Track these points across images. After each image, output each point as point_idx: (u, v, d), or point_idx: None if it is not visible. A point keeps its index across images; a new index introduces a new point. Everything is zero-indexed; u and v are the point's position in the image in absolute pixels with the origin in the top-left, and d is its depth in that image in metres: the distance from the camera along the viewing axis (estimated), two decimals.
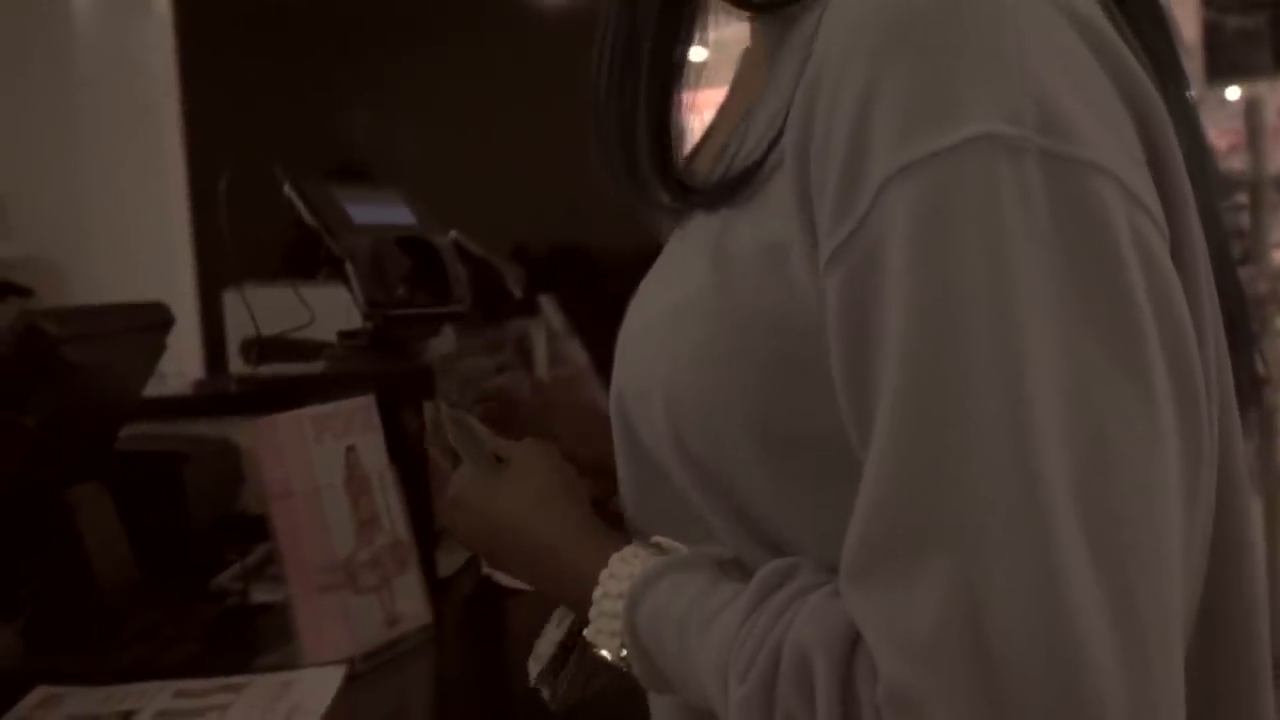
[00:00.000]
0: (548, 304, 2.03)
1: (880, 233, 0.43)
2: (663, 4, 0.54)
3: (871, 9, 0.45)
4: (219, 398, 1.35)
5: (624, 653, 0.54)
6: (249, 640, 1.05)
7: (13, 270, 2.77)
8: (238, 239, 1.49)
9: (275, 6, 3.16)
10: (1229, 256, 0.54)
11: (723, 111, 0.63)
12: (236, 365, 1.50)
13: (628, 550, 0.55)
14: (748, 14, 0.58)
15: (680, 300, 0.53)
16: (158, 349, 1.19)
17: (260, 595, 1.12)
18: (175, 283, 2.91)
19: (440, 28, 3.15)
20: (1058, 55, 0.44)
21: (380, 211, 1.17)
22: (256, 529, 1.09)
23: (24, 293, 2.76)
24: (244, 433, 1.29)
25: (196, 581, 1.19)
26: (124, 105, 2.95)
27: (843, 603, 0.45)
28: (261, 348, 1.24)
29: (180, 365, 2.18)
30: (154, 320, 1.15)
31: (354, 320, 1.19)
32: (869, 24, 0.44)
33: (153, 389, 1.31)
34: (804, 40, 0.49)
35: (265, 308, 1.41)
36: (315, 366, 1.20)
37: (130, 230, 2.92)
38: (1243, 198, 2.89)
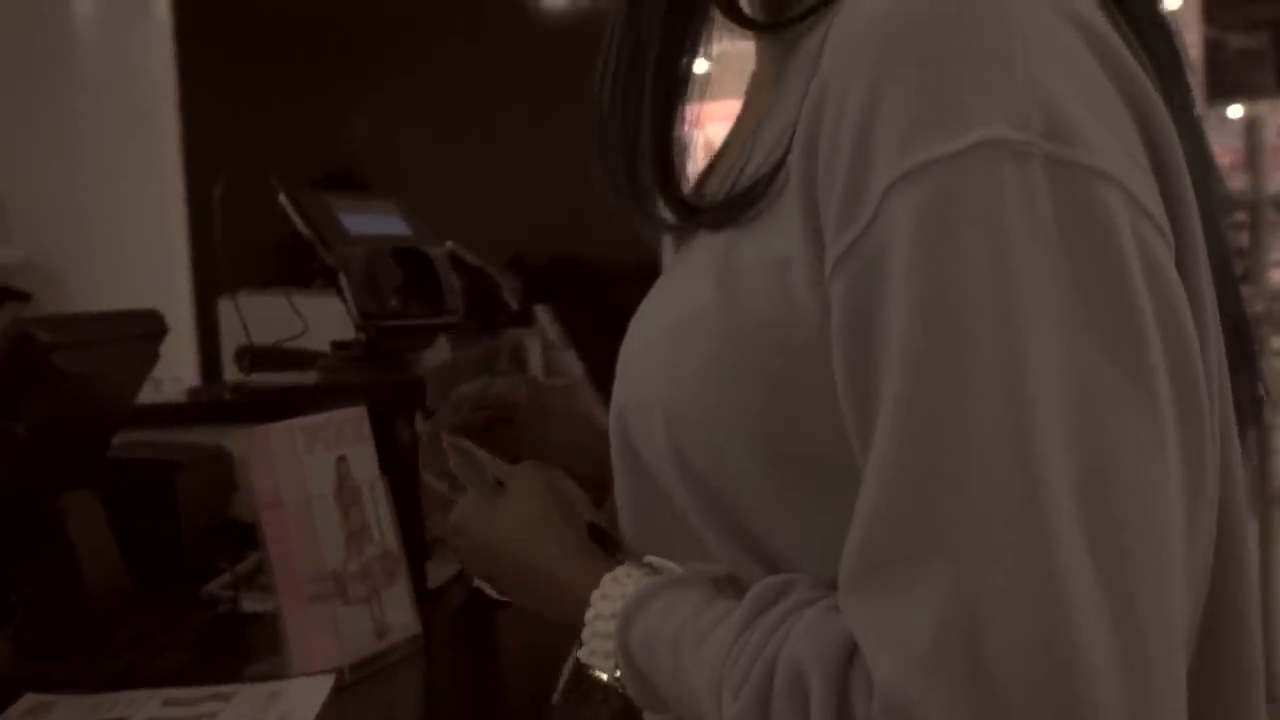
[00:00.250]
0: (543, 314, 2.03)
1: (884, 238, 0.43)
2: (667, 15, 0.54)
3: (875, 19, 0.45)
4: (212, 406, 1.35)
5: (618, 674, 0.54)
6: (239, 649, 1.05)
7: (11, 275, 2.77)
8: (235, 245, 1.49)
9: (274, 13, 3.17)
10: (1231, 272, 0.55)
11: (733, 135, 0.64)
12: (231, 373, 1.50)
13: (620, 570, 0.55)
14: (753, 34, 0.58)
15: (684, 316, 0.53)
16: (151, 357, 1.19)
17: (251, 604, 1.12)
18: (172, 289, 2.92)
19: (441, 35, 3.16)
20: (1062, 61, 0.44)
21: (375, 222, 1.18)
22: (248, 537, 1.09)
23: (22, 297, 2.77)
24: (237, 441, 1.29)
25: (187, 589, 1.19)
26: (123, 109, 2.96)
27: (839, 617, 0.45)
28: (255, 356, 1.25)
29: (176, 372, 2.19)
30: (148, 328, 1.16)
31: (348, 330, 1.19)
32: (873, 34, 0.45)
33: (148, 396, 1.31)
34: (809, 59, 0.50)
35: (261, 316, 1.41)
36: (309, 376, 1.20)
37: (128, 235, 2.92)
38: (1241, 216, 2.89)
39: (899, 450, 0.42)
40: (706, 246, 0.54)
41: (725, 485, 0.52)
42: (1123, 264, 0.42)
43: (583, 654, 0.55)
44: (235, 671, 0.97)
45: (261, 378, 1.31)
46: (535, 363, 1.82)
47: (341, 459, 0.97)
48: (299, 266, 1.28)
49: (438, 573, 1.17)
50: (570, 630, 0.57)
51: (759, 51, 0.61)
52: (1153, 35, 0.50)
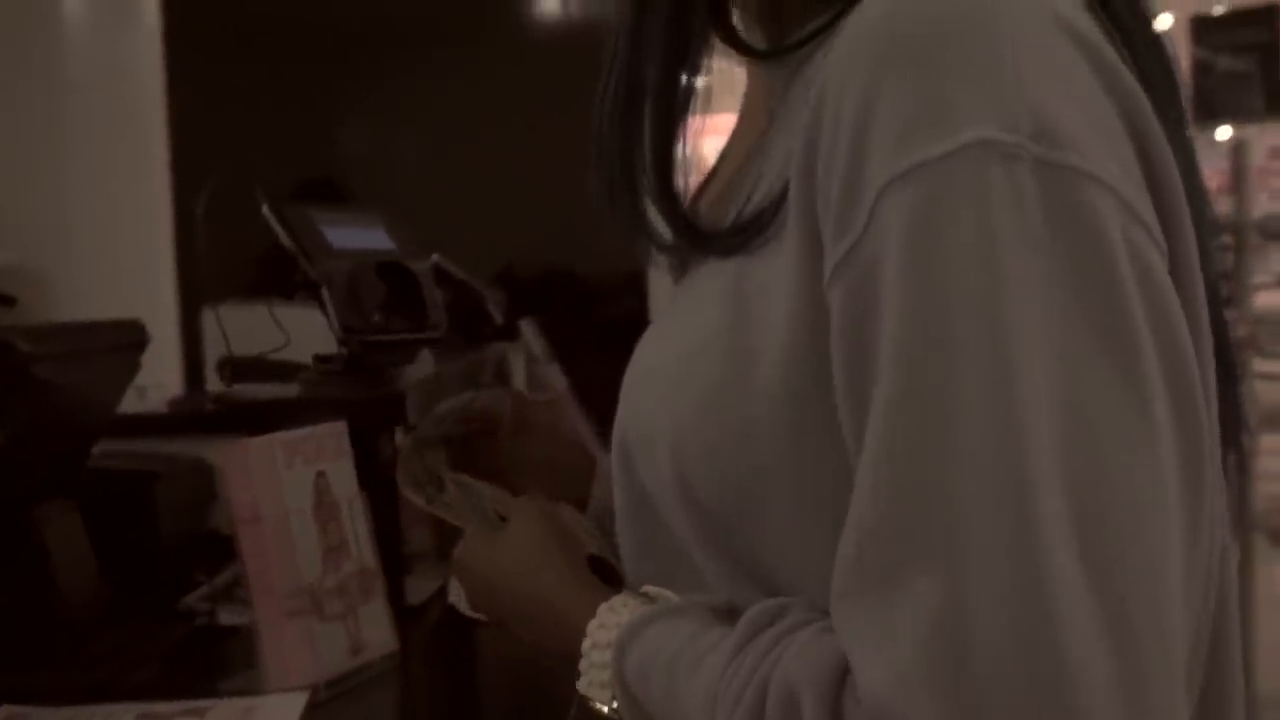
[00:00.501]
0: (528, 328, 2.03)
1: (878, 242, 0.43)
2: (668, 38, 0.54)
3: (871, 28, 0.45)
4: (192, 417, 1.35)
5: (615, 704, 0.53)
6: (215, 662, 1.04)
7: None
8: (223, 253, 1.49)
9: (265, 21, 3.17)
10: (1218, 294, 0.54)
11: (727, 152, 0.64)
12: (214, 383, 1.50)
13: (616, 600, 0.55)
14: (752, 60, 0.58)
15: (694, 343, 0.53)
16: (133, 367, 1.19)
17: (228, 617, 1.12)
18: (158, 295, 2.91)
19: (433, 45, 3.16)
20: (1056, 70, 0.44)
21: (359, 236, 1.18)
22: (228, 549, 1.09)
23: (7, 302, 2.76)
24: (217, 453, 1.29)
25: (165, 601, 1.19)
26: (112, 113, 2.95)
27: (832, 638, 0.45)
28: (236, 367, 1.24)
29: (161, 379, 2.18)
30: (130, 339, 1.15)
31: (332, 342, 1.19)
32: (869, 41, 0.45)
33: (132, 403, 1.30)
34: (814, 76, 0.50)
35: (245, 326, 1.41)
36: (290, 389, 1.20)
37: (115, 240, 2.92)
38: (1226, 239, 2.91)
39: (887, 457, 0.42)
40: (715, 274, 0.54)
41: (727, 515, 0.52)
42: (1113, 267, 0.42)
43: (581, 685, 0.55)
44: (211, 685, 0.97)
45: (243, 389, 1.31)
46: (519, 377, 1.83)
47: (320, 474, 0.97)
48: (286, 276, 1.28)
49: (417, 588, 1.17)
50: (569, 662, 0.57)
51: (750, 74, 0.61)
52: (1146, 54, 0.50)
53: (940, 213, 0.42)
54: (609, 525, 0.69)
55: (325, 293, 1.06)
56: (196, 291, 2.00)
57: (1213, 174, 3.26)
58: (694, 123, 0.58)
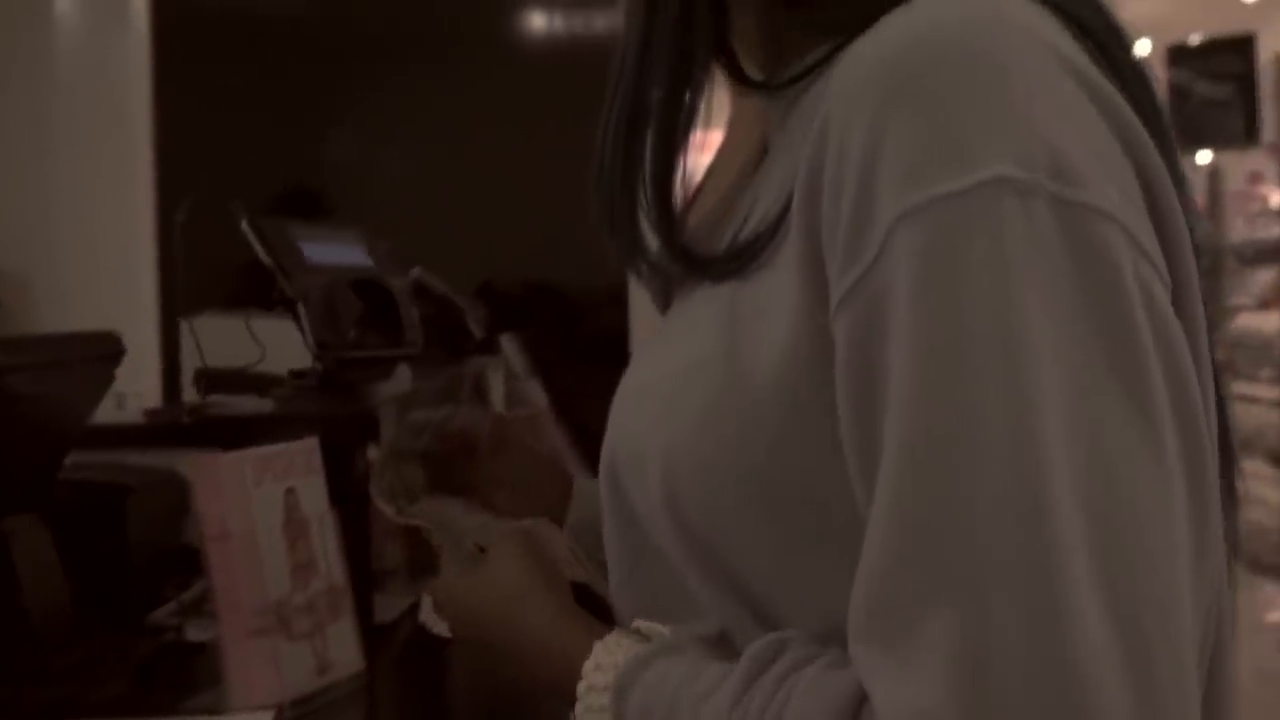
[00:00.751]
0: (508, 343, 2.03)
1: (889, 274, 0.43)
2: (673, 68, 0.55)
3: (875, 63, 0.46)
4: (167, 429, 1.34)
5: None
6: (182, 679, 1.04)
7: None
8: (204, 264, 1.48)
9: (254, 30, 3.17)
10: (1209, 320, 0.56)
11: (713, 171, 0.64)
12: (192, 394, 1.49)
13: (610, 639, 0.55)
14: (752, 91, 0.58)
15: (686, 366, 0.53)
16: (107, 379, 1.18)
17: (196, 633, 1.11)
18: (140, 302, 2.90)
19: (422, 59, 3.16)
20: (1062, 105, 0.45)
21: (336, 252, 1.18)
22: (199, 563, 1.08)
23: None
24: (190, 466, 1.28)
25: (133, 616, 1.18)
26: (98, 118, 2.94)
27: (841, 673, 0.45)
28: (213, 379, 1.24)
29: (140, 387, 2.17)
30: (104, 351, 1.15)
31: (309, 356, 1.19)
32: (874, 75, 0.45)
33: (110, 411, 1.30)
34: (809, 111, 0.51)
35: (223, 338, 1.40)
36: (265, 403, 1.20)
37: (98, 246, 2.90)
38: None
39: (901, 498, 0.42)
40: (708, 298, 0.54)
41: (719, 537, 0.52)
42: (1126, 302, 0.43)
43: None
44: (175, 703, 0.96)
45: (219, 400, 1.31)
46: (498, 392, 1.83)
47: (290, 491, 0.96)
48: (265, 289, 1.27)
49: (388, 606, 1.17)
50: (561, 699, 0.56)
51: (738, 97, 0.61)
52: (1134, 83, 0.51)
53: (957, 247, 0.42)
54: (586, 542, 0.69)
55: (301, 308, 1.05)
56: (178, 302, 1.99)
57: (1196, 194, 3.29)
58: (697, 136, 0.59)
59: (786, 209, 0.50)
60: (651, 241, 0.57)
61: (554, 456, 0.83)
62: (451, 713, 1.03)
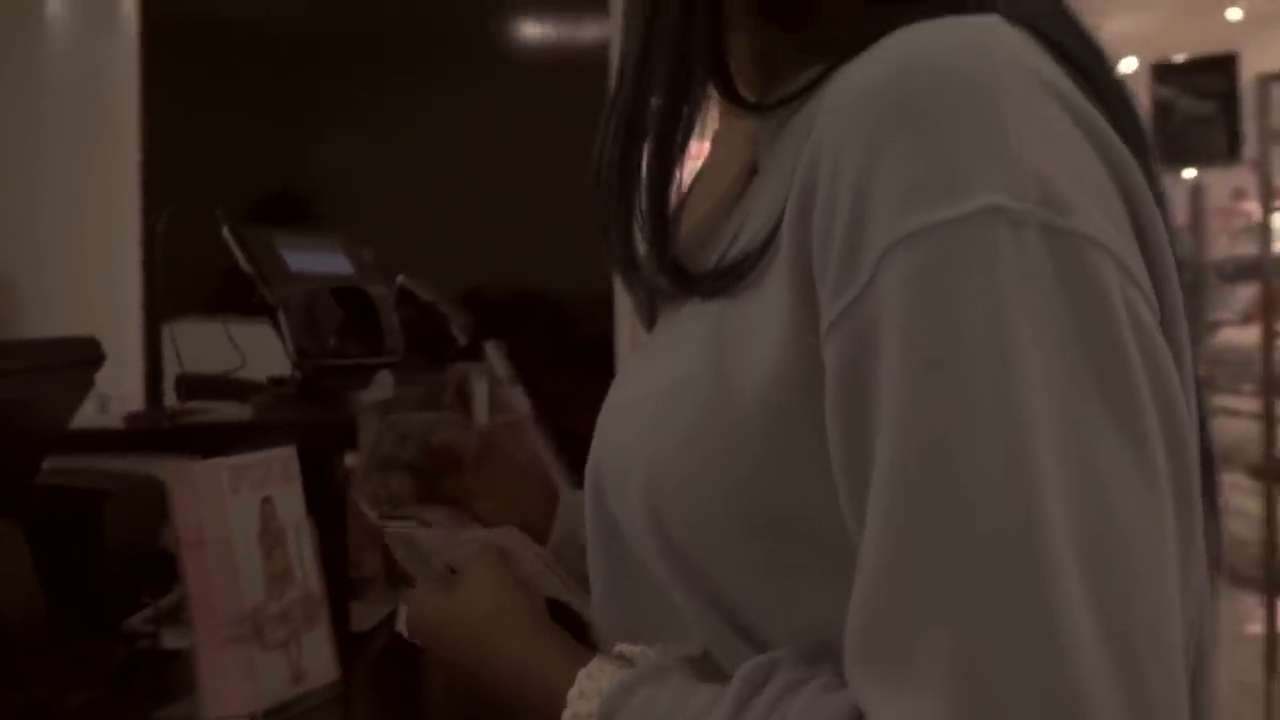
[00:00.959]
0: (493, 350, 2.03)
1: (881, 301, 0.44)
2: (672, 87, 0.55)
3: (869, 88, 0.46)
4: (146, 434, 1.34)
5: None
6: (155, 687, 1.03)
7: None
8: (189, 267, 1.48)
9: (243, 34, 3.17)
10: (1189, 339, 0.56)
11: (698, 186, 0.65)
12: (174, 399, 1.49)
13: (593, 666, 0.54)
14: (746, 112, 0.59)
15: (673, 382, 0.54)
16: (86, 385, 1.18)
17: (172, 640, 1.11)
18: (125, 305, 2.89)
19: (412, 64, 3.16)
20: (1049, 132, 0.45)
21: (318, 260, 1.18)
22: (175, 569, 1.08)
23: None
24: (168, 472, 1.28)
25: (108, 622, 1.17)
26: (86, 121, 2.93)
27: (835, 695, 0.46)
28: (193, 385, 1.24)
29: (126, 391, 2.16)
30: (83, 356, 1.14)
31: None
32: (867, 101, 0.46)
33: (93, 414, 1.30)
34: (800, 132, 0.51)
35: (206, 343, 1.40)
36: (245, 410, 1.20)
37: (85, 249, 2.89)
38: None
39: (898, 517, 0.43)
40: (696, 314, 0.55)
41: (702, 553, 0.52)
42: (1116, 327, 0.44)
43: None
44: (149, 711, 0.96)
45: (199, 406, 1.30)
46: (481, 399, 1.83)
47: (267, 500, 0.96)
48: (248, 295, 1.27)
49: (366, 614, 1.16)
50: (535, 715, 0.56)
51: (726, 114, 0.62)
52: (1117, 106, 0.51)
53: (950, 274, 0.43)
54: (571, 555, 0.69)
55: (281, 316, 1.05)
56: (162, 306, 1.99)
57: (1178, 211, 3.32)
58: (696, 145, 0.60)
59: (776, 229, 0.51)
60: (644, 254, 0.57)
61: (539, 468, 0.83)
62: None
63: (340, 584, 1.06)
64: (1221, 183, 4.06)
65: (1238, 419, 3.20)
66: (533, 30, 3.19)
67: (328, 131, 3.18)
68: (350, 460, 1.13)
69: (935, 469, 0.42)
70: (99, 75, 2.98)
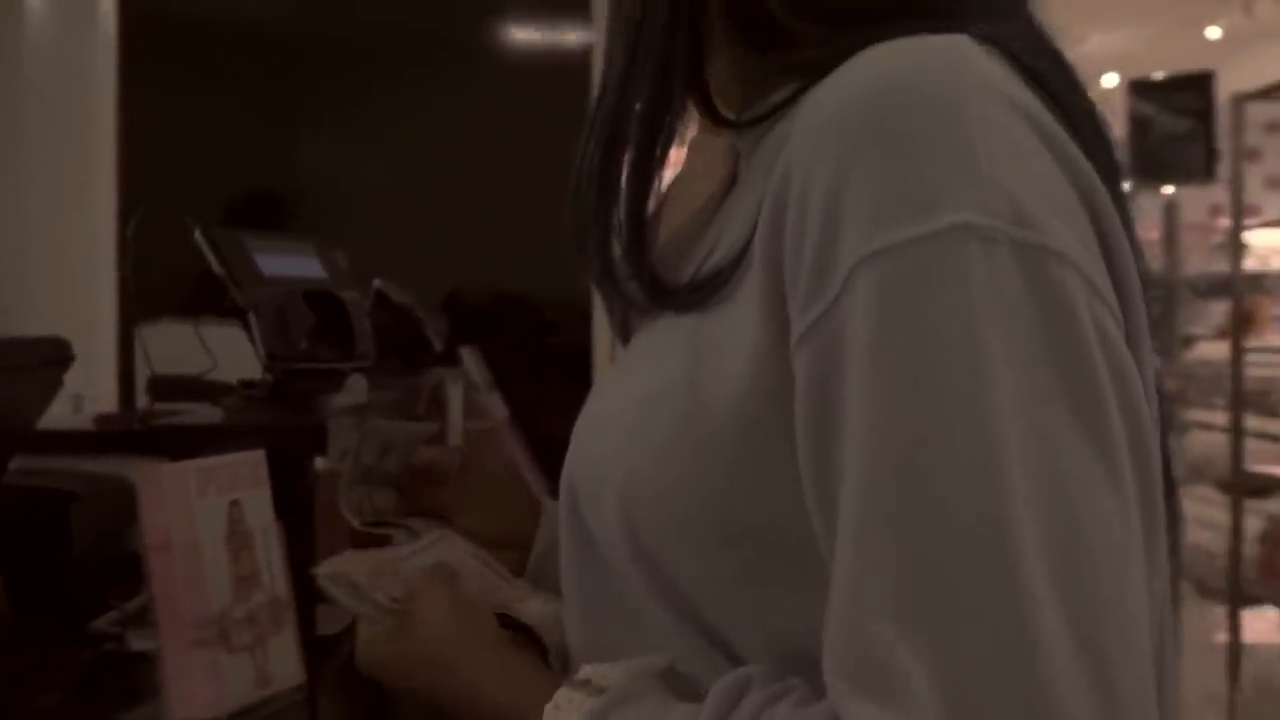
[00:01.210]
0: (469, 356, 2.03)
1: (849, 314, 0.44)
2: (652, 102, 0.56)
3: (840, 106, 0.47)
4: (115, 436, 1.33)
5: None
6: (121, 690, 1.03)
7: None
8: (163, 268, 1.48)
9: (223, 34, 3.15)
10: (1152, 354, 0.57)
11: (674, 196, 0.65)
12: (145, 401, 1.48)
13: (561, 696, 0.54)
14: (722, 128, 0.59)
15: (649, 393, 0.54)
16: (55, 385, 1.17)
17: (139, 642, 1.10)
18: (102, 306, 2.87)
19: (393, 68, 3.16)
20: (1019, 152, 0.46)
21: (290, 263, 1.18)
22: (143, 572, 1.07)
23: None
24: (137, 473, 1.27)
25: (75, 624, 1.17)
26: (63, 118, 2.91)
27: (812, 711, 0.46)
28: (165, 386, 1.23)
29: (101, 391, 2.15)
30: (52, 356, 1.14)
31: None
32: (838, 119, 0.47)
33: (66, 415, 1.29)
34: (774, 148, 0.52)
35: (182, 344, 1.39)
36: (217, 412, 1.20)
37: (62, 249, 2.87)
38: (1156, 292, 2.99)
39: (872, 532, 0.43)
40: (671, 326, 0.55)
41: (676, 563, 0.52)
42: (1084, 341, 0.44)
43: None
44: (114, 714, 0.96)
45: (170, 408, 1.30)
46: (456, 404, 1.83)
47: (235, 503, 0.96)
48: (221, 297, 1.27)
49: (334, 618, 1.16)
50: None
51: (705, 127, 0.62)
52: (1087, 128, 0.52)
53: (920, 290, 0.44)
54: (552, 566, 0.69)
55: (252, 319, 1.05)
56: (138, 307, 1.97)
57: (1152, 226, 3.36)
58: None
59: (749, 243, 0.51)
60: (620, 267, 0.57)
61: (514, 468, 0.83)
62: None
63: (307, 588, 1.06)
64: (1199, 199, 4.10)
65: (1210, 433, 3.23)
66: (515, 35, 3.19)
67: (308, 133, 3.17)
68: (321, 464, 1.13)
69: (907, 482, 0.42)
70: (76, 73, 2.96)
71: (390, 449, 0.81)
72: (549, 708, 0.54)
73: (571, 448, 0.59)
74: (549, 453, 0.72)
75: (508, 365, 2.32)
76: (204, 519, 0.94)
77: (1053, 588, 0.41)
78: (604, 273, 0.58)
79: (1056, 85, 0.51)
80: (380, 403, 1.36)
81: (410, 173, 3.08)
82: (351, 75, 3.14)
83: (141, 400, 1.52)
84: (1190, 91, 3.25)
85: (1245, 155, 3.07)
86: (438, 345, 1.78)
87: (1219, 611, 3.15)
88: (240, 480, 0.96)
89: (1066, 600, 0.41)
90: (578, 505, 0.57)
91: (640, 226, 0.57)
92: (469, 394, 1.96)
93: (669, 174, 0.65)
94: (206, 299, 1.41)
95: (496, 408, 2.03)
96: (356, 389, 1.32)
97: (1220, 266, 3.26)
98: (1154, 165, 3.27)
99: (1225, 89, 3.18)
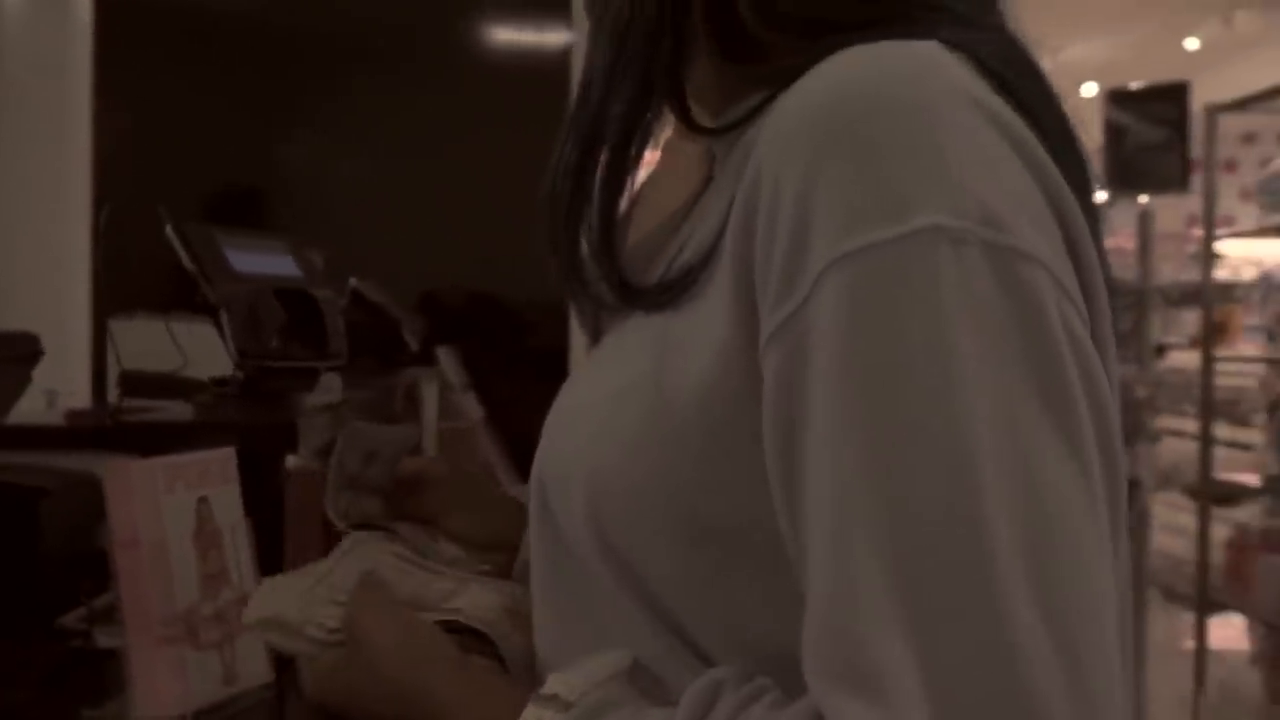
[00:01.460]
0: (445, 356, 2.03)
1: (818, 315, 0.45)
2: (630, 107, 0.56)
3: (809, 108, 0.47)
4: (85, 431, 1.32)
5: None
6: (87, 686, 1.02)
7: None
8: (139, 263, 1.47)
9: (201, 26, 3.14)
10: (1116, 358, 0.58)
11: (647, 189, 0.65)
12: (116, 397, 1.47)
13: (529, 715, 0.53)
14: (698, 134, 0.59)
15: (619, 389, 0.54)
16: (23, 380, 1.17)
17: (106, 639, 1.10)
18: (76, 301, 2.85)
19: (372, 67, 3.15)
20: (987, 156, 0.47)
21: (263, 261, 1.17)
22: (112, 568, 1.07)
23: None
24: (104, 469, 1.27)
25: (42, 621, 1.16)
26: (38, 111, 2.89)
27: (787, 712, 0.46)
28: (133, 382, 1.23)
29: (76, 387, 2.13)
30: (21, 351, 1.13)
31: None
32: (808, 121, 0.47)
33: (39, 409, 1.28)
34: (746, 150, 0.52)
35: (155, 340, 1.39)
36: (188, 409, 1.19)
37: (35, 243, 2.85)
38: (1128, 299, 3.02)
39: (848, 533, 0.43)
40: (640, 325, 0.55)
41: (643, 561, 0.52)
42: (1054, 341, 0.45)
43: None
44: (80, 710, 0.95)
45: (142, 405, 1.29)
46: (431, 404, 1.82)
47: (203, 500, 0.96)
48: (193, 294, 1.27)
49: None
50: None
51: (678, 131, 0.63)
52: (1055, 135, 0.52)
53: (891, 291, 0.44)
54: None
55: (224, 316, 1.05)
56: (110, 303, 1.96)
57: (1128, 235, 3.39)
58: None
59: (717, 242, 0.52)
60: (589, 267, 0.58)
61: (489, 478, 0.83)
62: None
63: None
64: (1176, 209, 4.14)
65: (1180, 440, 3.26)
66: (494, 36, 3.19)
67: (287, 129, 3.16)
68: (292, 462, 1.13)
69: (882, 482, 0.43)
70: (51, 64, 2.94)
71: (374, 457, 0.81)
72: None
73: (541, 443, 0.59)
74: (525, 454, 0.72)
75: (484, 366, 2.32)
76: (172, 516, 0.94)
77: (1029, 586, 0.42)
78: (573, 272, 0.58)
79: (1026, 93, 0.52)
80: (354, 401, 1.36)
81: (389, 171, 3.07)
82: (331, 73, 3.13)
83: (113, 396, 1.51)
84: (1166, 101, 3.28)
85: (1221, 166, 3.10)
86: (413, 344, 1.78)
87: (1187, 618, 3.18)
88: (209, 477, 0.96)
89: (1042, 598, 0.42)
90: (547, 501, 0.58)
91: (611, 227, 0.57)
92: (445, 394, 1.96)
93: (641, 176, 0.66)
94: (180, 295, 1.41)
95: (472, 408, 2.03)
96: (330, 387, 1.32)
97: (1194, 276, 3.29)
98: (1130, 174, 3.29)
99: (1204, 99, 3.21)
